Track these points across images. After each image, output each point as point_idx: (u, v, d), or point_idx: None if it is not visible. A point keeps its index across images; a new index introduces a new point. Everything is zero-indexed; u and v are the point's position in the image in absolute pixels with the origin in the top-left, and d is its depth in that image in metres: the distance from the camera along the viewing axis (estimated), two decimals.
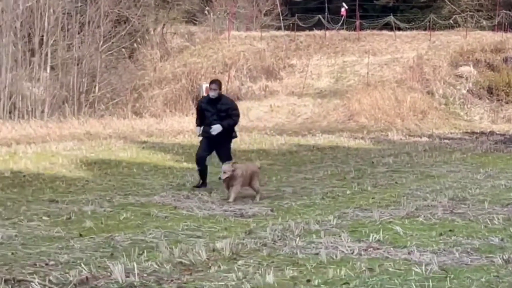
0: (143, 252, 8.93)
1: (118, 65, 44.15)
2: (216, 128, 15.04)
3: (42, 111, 36.65)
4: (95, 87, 40.80)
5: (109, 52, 42.68)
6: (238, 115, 15.54)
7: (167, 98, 43.34)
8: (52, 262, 8.45)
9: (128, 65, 45.42)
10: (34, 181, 16.48)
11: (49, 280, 7.53)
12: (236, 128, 15.69)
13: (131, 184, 16.11)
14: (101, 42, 41.19)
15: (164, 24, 52.75)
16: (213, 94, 15.14)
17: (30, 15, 37.84)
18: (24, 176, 17.29)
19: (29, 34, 38.18)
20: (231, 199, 13.43)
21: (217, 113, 15.13)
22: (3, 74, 35.47)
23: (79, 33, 40.84)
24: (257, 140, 28.44)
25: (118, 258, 8.50)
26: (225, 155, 15.14)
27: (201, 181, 15.42)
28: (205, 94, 42.86)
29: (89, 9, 40.69)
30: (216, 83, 15.34)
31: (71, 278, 7.56)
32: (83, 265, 8.05)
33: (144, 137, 29.14)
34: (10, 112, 35.11)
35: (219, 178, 13.74)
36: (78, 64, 40.05)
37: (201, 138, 15.64)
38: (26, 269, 8.12)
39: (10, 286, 7.29)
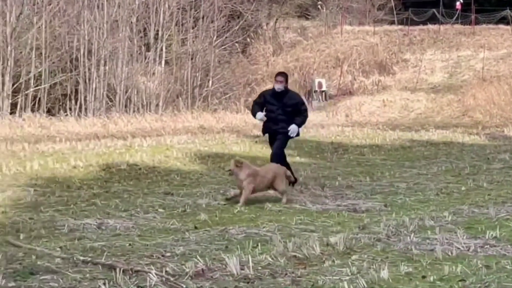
0: (257, 245, 8.97)
1: (231, 60, 44.51)
2: (294, 130, 14.24)
3: (157, 105, 37.29)
4: (208, 81, 41.24)
5: (222, 47, 43.06)
6: (306, 110, 14.64)
7: None
8: (168, 254, 8.58)
9: (241, 59, 45.76)
10: (150, 174, 16.80)
11: (166, 271, 7.63)
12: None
13: None
14: (215, 37, 41.58)
15: (277, 19, 52.92)
16: (278, 87, 14.13)
17: (146, 10, 38.51)
18: (140, 169, 17.63)
19: (144, 29, 38.88)
20: (240, 204, 12.30)
21: (282, 108, 14.19)
22: (119, 68, 36.22)
23: (193, 28, 41.35)
24: (369, 135, 28.24)
25: (232, 250, 8.56)
26: (279, 144, 14.45)
27: (293, 177, 14.16)
28: (317, 89, 43.10)
29: (203, 4, 41.11)
30: (282, 75, 14.47)
31: (187, 270, 7.65)
32: (198, 257, 8.13)
33: (257, 131, 29.25)
34: (126, 106, 35.84)
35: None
36: (192, 59, 40.55)
37: (263, 119, 14.46)
38: (143, 260, 8.27)
39: (128, 277, 7.41)
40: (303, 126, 14.82)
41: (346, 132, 29.45)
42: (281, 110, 14.16)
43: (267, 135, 14.88)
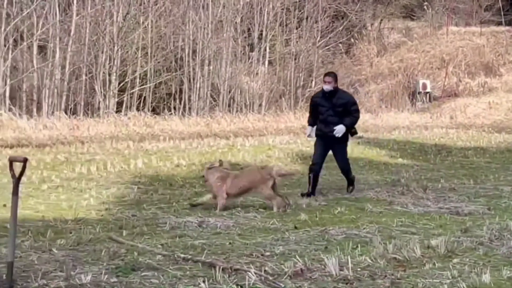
0: (357, 246, 8.92)
1: (334, 60, 44.34)
2: (340, 130, 13.58)
3: (260, 105, 37.43)
4: (311, 81, 41.18)
5: (326, 47, 42.93)
6: (357, 111, 13.94)
7: (383, 93, 43.09)
8: (267, 253, 8.61)
9: (345, 60, 45.54)
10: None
11: (265, 271, 7.66)
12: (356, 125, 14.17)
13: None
14: (318, 37, 41.50)
15: (381, 20, 52.44)
16: (327, 87, 13.56)
17: (250, 10, 38.69)
18: (241, 168, 17.73)
19: (248, 29, 39.08)
20: (217, 210, 11.88)
21: (333, 108, 13.57)
22: (223, 68, 36.51)
23: (297, 28, 41.34)
24: (474, 137, 27.72)
25: (332, 251, 8.53)
26: (341, 156, 14.01)
27: (310, 189, 13.67)
28: (421, 90, 42.56)
29: (308, 5, 41.07)
30: (330, 75, 13.86)
31: (286, 269, 7.67)
32: (297, 257, 8.13)
33: (359, 132, 29.07)
34: (229, 106, 36.10)
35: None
36: (295, 59, 40.57)
37: (312, 139, 14.23)
38: (242, 258, 8.32)
39: (227, 275, 7.47)
40: (355, 127, 14.11)
41: (450, 134, 28.99)
42: (332, 111, 13.59)
43: (313, 133, 14.17)
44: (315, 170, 13.80)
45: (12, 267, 6.26)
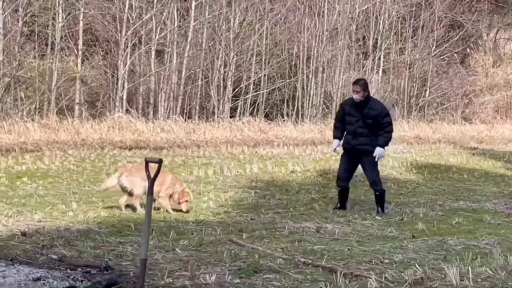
0: (477, 257, 8.88)
1: (449, 70, 43.83)
2: (381, 154, 12.57)
3: None
4: (425, 91, 40.84)
5: (441, 57, 42.49)
6: (390, 124, 12.60)
7: (498, 105, 42.41)
8: (387, 260, 8.65)
9: (459, 70, 44.94)
10: (366, 182, 16.78)
11: (385, 278, 7.71)
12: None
13: (461, 189, 16.05)
14: (434, 47, 41.12)
15: (497, 30, 51.50)
16: (356, 97, 12.32)
17: (366, 18, 38.65)
18: (356, 176, 17.71)
19: (363, 37, 39.02)
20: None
21: (363, 119, 12.37)
22: (337, 76, 36.56)
23: (412, 37, 41.08)
24: None
25: (451, 261, 8.52)
26: (371, 169, 12.75)
27: (339, 204, 12.88)
28: None
29: (424, 14, 40.76)
30: (359, 83, 12.44)
31: (406, 277, 7.70)
32: (417, 266, 8.15)
33: (474, 143, 28.79)
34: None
35: None
36: (409, 68, 40.31)
37: (339, 152, 13.01)
38: (362, 265, 8.39)
39: (348, 280, 7.56)
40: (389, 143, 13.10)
41: None
42: (361, 122, 12.38)
43: (340, 148, 12.89)
44: (341, 186, 12.87)
45: (146, 264, 6.49)
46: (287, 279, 7.66)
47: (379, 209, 12.60)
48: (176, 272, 7.80)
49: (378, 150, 12.49)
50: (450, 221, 11.76)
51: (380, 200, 12.71)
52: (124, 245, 9.08)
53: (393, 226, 11.10)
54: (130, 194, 11.67)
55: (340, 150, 12.85)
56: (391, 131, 12.68)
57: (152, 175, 6.57)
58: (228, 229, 10.49)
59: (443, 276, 7.82)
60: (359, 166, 12.93)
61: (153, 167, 6.72)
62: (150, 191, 6.41)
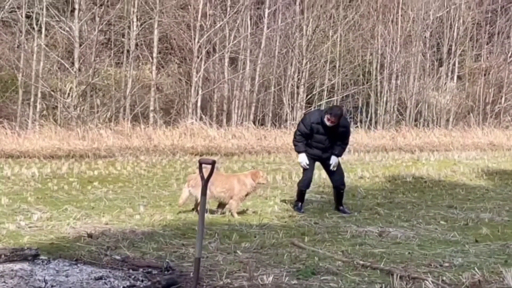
0: None
1: None
2: (336, 163, 12.97)
3: (447, 120, 36.98)
4: (501, 98, 40.25)
5: None
6: (349, 136, 13.18)
7: None
8: (446, 264, 8.66)
9: None
10: (435, 187, 16.83)
11: (442, 280, 7.73)
12: None
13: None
14: (510, 53, 40.50)
15: None
16: (329, 124, 12.49)
17: (440, 25, 38.33)
18: (425, 181, 17.70)
19: (437, 44, 38.71)
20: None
21: (332, 137, 12.75)
22: (411, 82, 36.35)
23: (487, 44, 40.56)
24: None
25: (511, 265, 8.47)
26: (338, 171, 13.11)
27: (300, 203, 13.05)
28: None
29: (499, 20, 40.21)
30: (337, 116, 12.49)
31: (463, 280, 7.70)
32: (476, 269, 8.14)
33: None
34: (415, 120, 35.87)
35: None
36: (485, 75, 39.79)
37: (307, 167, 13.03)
38: (420, 268, 8.42)
39: (404, 283, 7.59)
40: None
41: None
42: (330, 139, 12.74)
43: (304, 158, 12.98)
44: (308, 188, 13.34)
45: (199, 263, 6.63)
46: (344, 280, 7.73)
47: (342, 206, 13.05)
48: (235, 273, 7.94)
49: (334, 159, 12.96)
50: None
51: (342, 196, 13.29)
52: (186, 247, 9.26)
53: (456, 231, 11.05)
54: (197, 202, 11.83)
55: (307, 166, 13.01)
56: (348, 142, 13.35)
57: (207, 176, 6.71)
58: (291, 232, 10.60)
59: (501, 279, 7.80)
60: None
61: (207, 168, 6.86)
62: (203, 192, 6.55)
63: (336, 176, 13.15)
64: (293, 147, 13.58)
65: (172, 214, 11.80)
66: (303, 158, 12.93)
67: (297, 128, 13.17)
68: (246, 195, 12.26)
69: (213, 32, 29.89)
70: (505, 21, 40.38)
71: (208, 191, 10.88)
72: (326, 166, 13.17)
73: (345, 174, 17.49)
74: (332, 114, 12.49)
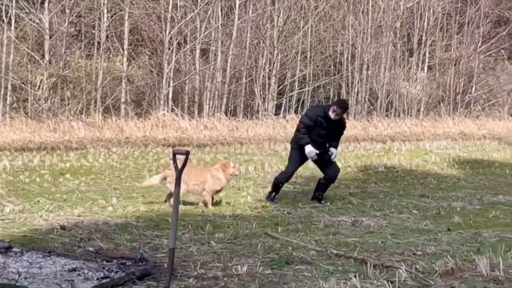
0: (510, 249, 8.88)
1: (496, 66, 43.44)
2: (337, 154, 13.21)
3: (418, 110, 37.21)
4: (471, 87, 40.54)
5: (488, 53, 42.13)
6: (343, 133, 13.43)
7: None
8: (419, 252, 8.71)
9: (507, 66, 44.48)
10: (406, 177, 16.93)
11: (416, 268, 7.76)
12: None
13: (502, 184, 15.99)
14: (480, 43, 40.79)
15: None
16: (335, 117, 12.67)
17: (410, 15, 38.51)
18: (397, 171, 17.80)
19: (408, 34, 38.88)
20: None
21: (331, 132, 12.90)
22: (382, 73, 36.49)
23: (457, 34, 40.82)
24: None
25: (484, 253, 8.53)
26: (333, 164, 13.15)
27: (276, 194, 13.05)
28: None
29: (469, 10, 40.46)
30: (344, 108, 12.98)
31: (437, 268, 7.74)
32: (449, 257, 8.18)
33: None
34: (386, 110, 36.05)
35: None
36: (455, 65, 40.05)
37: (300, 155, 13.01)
38: (394, 256, 8.46)
39: (378, 271, 7.62)
40: None
41: None
42: (328, 135, 12.89)
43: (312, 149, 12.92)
44: (287, 180, 13.40)
45: (173, 253, 6.62)
46: (318, 270, 7.75)
47: (324, 194, 13.13)
48: (209, 263, 7.93)
49: (335, 151, 13.05)
50: (487, 215, 11.75)
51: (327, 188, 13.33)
52: (160, 238, 9.24)
53: (429, 219, 11.12)
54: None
55: (315, 157, 12.95)
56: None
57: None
58: (264, 222, 10.61)
59: (474, 267, 7.85)
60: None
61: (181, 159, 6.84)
62: (177, 182, 6.53)
63: (331, 169, 13.12)
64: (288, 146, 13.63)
65: (145, 205, 11.76)
66: (311, 149, 12.79)
67: (301, 121, 13.13)
68: (220, 189, 12.27)
69: (184, 23, 29.83)
70: (474, 11, 40.66)
71: (183, 185, 11.11)
72: (321, 159, 13.03)
73: None
74: (339, 106, 12.71)
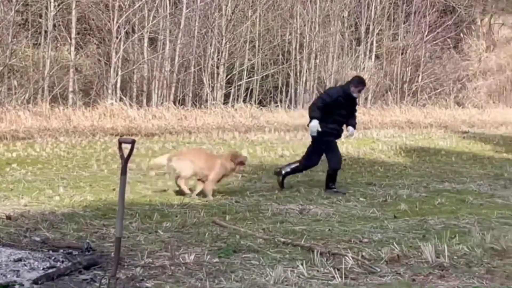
0: (455, 236, 8.99)
1: (442, 55, 43.89)
2: (354, 132, 13.52)
3: (366, 99, 37.44)
4: (418, 76, 40.92)
5: (434, 42, 42.55)
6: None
7: (490, 89, 42.56)
8: (366, 240, 8.79)
9: (453, 55, 44.99)
10: (354, 165, 17.06)
11: (362, 256, 7.83)
12: None
13: (448, 171, 16.19)
14: (426, 32, 41.16)
15: (491, 15, 51.55)
16: (357, 96, 13.20)
17: (358, 4, 38.72)
18: (345, 159, 17.85)
19: (355, 23, 39.10)
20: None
21: (349, 112, 13.16)
22: (330, 62, 36.66)
23: (404, 23, 41.14)
24: None
25: (429, 239, 8.63)
26: (336, 153, 13.33)
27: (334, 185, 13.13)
28: None
29: None
30: (365, 86, 13.66)
31: (383, 255, 7.82)
32: (395, 244, 8.27)
33: (465, 127, 28.91)
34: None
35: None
36: (402, 54, 40.39)
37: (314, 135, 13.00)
38: (341, 244, 8.53)
39: (325, 259, 7.68)
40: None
41: None
42: (348, 113, 13.16)
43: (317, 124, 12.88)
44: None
45: (120, 242, 6.58)
46: (265, 258, 7.77)
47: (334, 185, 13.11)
48: (156, 252, 7.92)
49: (353, 130, 13.39)
50: (433, 202, 11.87)
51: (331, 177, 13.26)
52: (107, 227, 9.19)
53: (375, 207, 11.22)
54: (178, 176, 11.99)
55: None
56: None
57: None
58: (212, 211, 10.60)
59: (419, 254, 7.94)
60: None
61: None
62: (123, 171, 6.50)
63: (334, 158, 13.18)
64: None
65: (92, 195, 11.69)
66: (315, 124, 12.73)
67: (320, 97, 13.32)
68: (221, 179, 12.36)
69: (132, 12, 29.65)
70: (421, 0, 40.99)
71: (192, 166, 11.71)
72: (320, 149, 13.17)
73: (266, 153, 17.74)
74: (359, 82, 13.12)
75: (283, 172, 13.32)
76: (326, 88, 12.06)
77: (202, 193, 12.05)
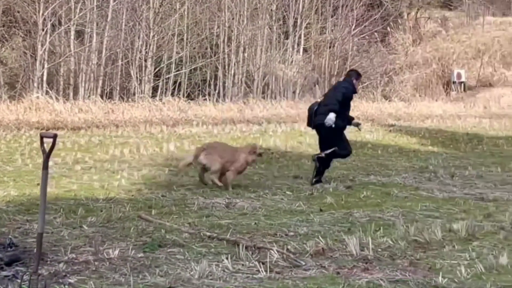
0: (380, 228, 9.11)
1: (370, 49, 44.27)
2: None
3: (294, 92, 37.59)
4: (346, 70, 41.14)
5: (361, 36, 42.89)
6: None
7: (417, 82, 43.11)
8: (291, 233, 8.84)
9: (380, 49, 45.42)
10: (281, 159, 17.14)
11: (287, 249, 7.88)
12: None
13: (374, 164, 16.37)
14: (354, 26, 41.47)
15: (418, 9, 52.22)
16: (358, 88, 13.78)
17: None
18: (272, 153, 17.97)
19: (283, 17, 39.19)
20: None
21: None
22: (258, 55, 36.69)
23: (332, 16, 41.36)
24: (507, 127, 27.70)
25: (354, 232, 8.72)
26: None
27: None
28: (456, 80, 42.42)
29: None
30: (361, 76, 14.34)
31: (308, 248, 7.87)
32: (320, 238, 8.34)
33: (392, 120, 29.25)
34: (263, 93, 36.27)
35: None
36: (330, 47, 40.61)
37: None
38: (266, 238, 8.56)
39: (250, 252, 7.69)
40: None
41: (483, 123, 29.01)
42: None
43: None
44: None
45: (42, 238, 6.49)
46: (190, 252, 7.76)
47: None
48: (80, 247, 7.85)
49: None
50: (358, 195, 11.99)
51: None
52: (31, 222, 9.07)
53: (302, 200, 11.28)
54: (207, 170, 12.38)
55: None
56: None
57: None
58: (138, 205, 10.55)
59: (344, 247, 8.02)
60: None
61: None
62: (45, 165, 6.40)
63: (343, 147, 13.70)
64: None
65: (16, 189, 11.52)
66: (333, 116, 13.11)
67: (343, 92, 13.35)
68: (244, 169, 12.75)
69: (58, 4, 29.25)
70: None
71: (219, 159, 12.18)
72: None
73: (193, 147, 17.67)
74: (358, 74, 13.92)
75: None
76: (337, 84, 12.27)
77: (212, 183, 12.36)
